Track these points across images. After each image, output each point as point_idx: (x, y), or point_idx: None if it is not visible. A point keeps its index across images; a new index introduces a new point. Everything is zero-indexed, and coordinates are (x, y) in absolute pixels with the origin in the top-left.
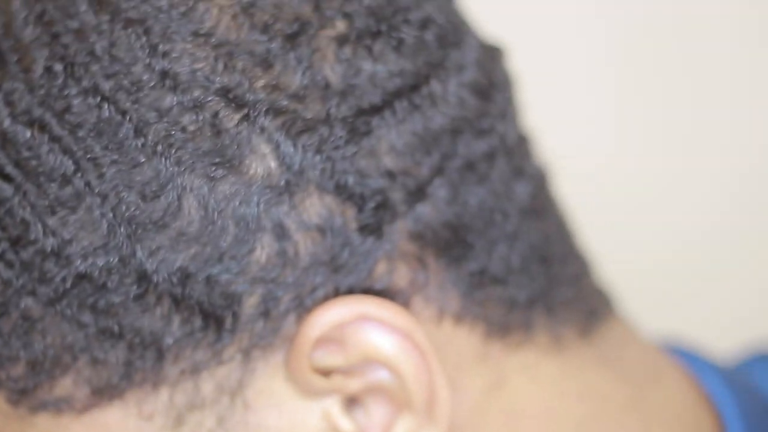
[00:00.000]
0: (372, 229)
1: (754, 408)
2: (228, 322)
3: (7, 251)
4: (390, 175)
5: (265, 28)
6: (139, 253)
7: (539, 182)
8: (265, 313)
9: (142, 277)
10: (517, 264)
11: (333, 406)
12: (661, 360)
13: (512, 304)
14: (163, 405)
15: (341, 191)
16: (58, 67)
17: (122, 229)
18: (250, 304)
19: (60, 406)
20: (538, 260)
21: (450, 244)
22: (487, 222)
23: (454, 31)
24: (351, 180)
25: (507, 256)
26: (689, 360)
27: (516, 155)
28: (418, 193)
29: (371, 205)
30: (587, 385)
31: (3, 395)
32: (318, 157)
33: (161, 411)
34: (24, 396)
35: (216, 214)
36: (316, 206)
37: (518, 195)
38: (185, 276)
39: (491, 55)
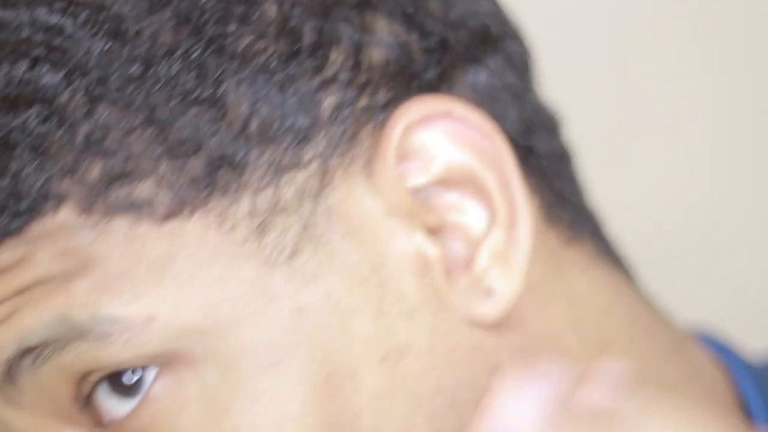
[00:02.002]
0: (435, 65)
1: None
2: (304, 121)
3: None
4: (453, 27)
5: None
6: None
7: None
8: (341, 117)
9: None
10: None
11: (418, 228)
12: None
13: (561, 195)
14: (245, 214)
15: (409, 22)
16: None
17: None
18: (325, 106)
19: (140, 209)
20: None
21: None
22: (540, 124)
23: None
24: (419, 15)
25: (554, 146)
26: (719, 349)
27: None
28: (474, 59)
29: (434, 41)
30: (634, 312)
31: (73, 204)
32: None
33: (243, 221)
34: (99, 197)
35: (292, 19)
36: (385, 29)
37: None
38: None
39: None
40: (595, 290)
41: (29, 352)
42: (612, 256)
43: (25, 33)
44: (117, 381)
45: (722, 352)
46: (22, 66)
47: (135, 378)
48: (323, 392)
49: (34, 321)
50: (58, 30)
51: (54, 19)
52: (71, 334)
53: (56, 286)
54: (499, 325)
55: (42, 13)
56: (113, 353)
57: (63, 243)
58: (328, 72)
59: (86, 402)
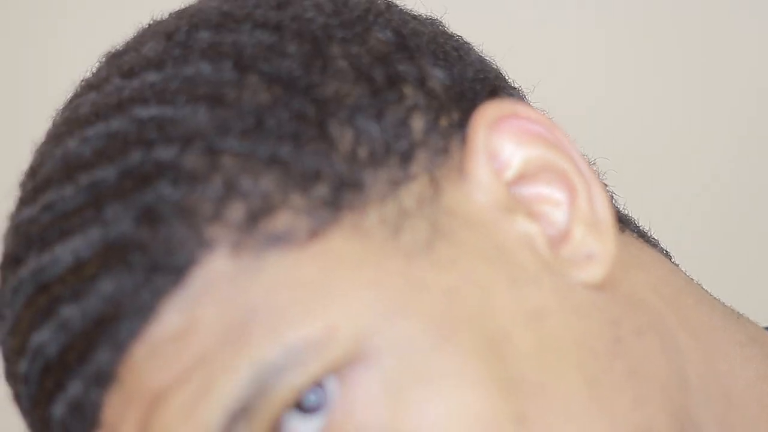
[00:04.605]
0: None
1: None
2: (404, 143)
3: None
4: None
5: None
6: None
7: None
8: (431, 136)
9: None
10: None
11: (517, 213)
12: None
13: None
14: (376, 223)
15: (445, 60)
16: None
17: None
18: (417, 129)
19: (283, 238)
20: None
21: None
22: None
23: None
24: (449, 57)
25: None
26: None
27: None
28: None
29: (471, 71)
30: (691, 282)
31: (224, 247)
32: None
33: (376, 229)
34: (245, 235)
35: (362, 67)
36: (430, 66)
37: None
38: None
39: None
40: (656, 262)
41: (240, 415)
42: (656, 246)
43: (132, 131)
44: (299, 406)
45: None
46: (139, 152)
47: (315, 396)
48: (489, 356)
49: (232, 384)
50: (160, 117)
51: (152, 111)
52: (271, 376)
53: (235, 343)
54: (604, 286)
55: (138, 111)
56: (311, 372)
57: (223, 295)
58: (409, 102)
59: None
